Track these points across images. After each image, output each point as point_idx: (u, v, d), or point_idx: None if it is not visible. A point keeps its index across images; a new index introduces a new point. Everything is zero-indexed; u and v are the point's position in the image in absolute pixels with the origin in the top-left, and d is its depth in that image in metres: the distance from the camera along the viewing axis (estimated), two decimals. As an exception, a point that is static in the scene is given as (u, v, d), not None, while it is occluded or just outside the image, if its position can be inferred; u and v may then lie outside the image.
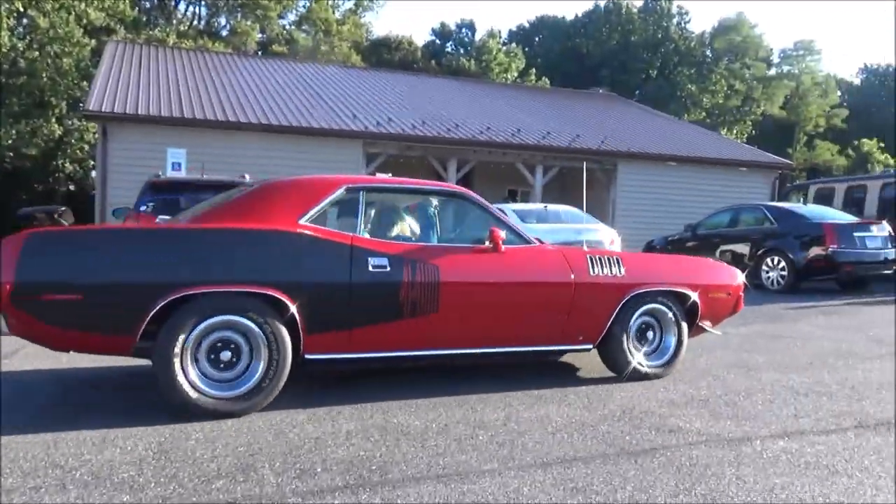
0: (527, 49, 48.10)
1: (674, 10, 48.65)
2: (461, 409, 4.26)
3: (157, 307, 3.82)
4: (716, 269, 5.65)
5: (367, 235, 4.48)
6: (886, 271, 11.54)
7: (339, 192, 4.50)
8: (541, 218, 11.93)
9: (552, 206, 12.71)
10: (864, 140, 48.64)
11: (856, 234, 11.41)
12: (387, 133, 17.18)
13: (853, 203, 14.85)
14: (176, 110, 16.13)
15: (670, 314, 5.28)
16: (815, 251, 11.28)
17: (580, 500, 2.82)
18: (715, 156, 20.45)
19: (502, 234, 4.70)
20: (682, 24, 48.79)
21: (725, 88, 46.89)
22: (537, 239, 5.04)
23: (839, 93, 53.86)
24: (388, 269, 4.31)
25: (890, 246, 11.55)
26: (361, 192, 4.58)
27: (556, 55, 47.50)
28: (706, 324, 5.50)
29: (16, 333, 3.88)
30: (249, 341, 4.08)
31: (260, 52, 35.91)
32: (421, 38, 69.49)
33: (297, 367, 4.27)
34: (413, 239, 4.74)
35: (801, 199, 16.11)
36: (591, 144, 19.30)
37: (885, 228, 11.70)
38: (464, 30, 50.93)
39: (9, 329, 3.87)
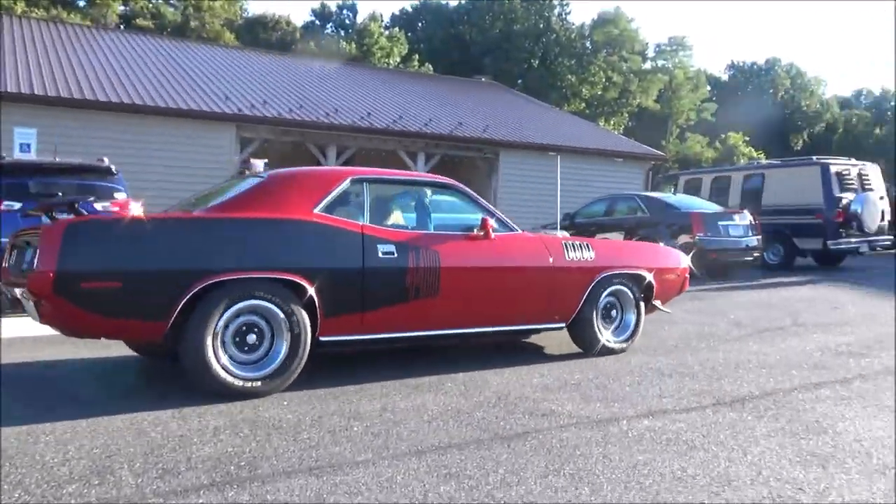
0: (409, 34, 48.20)
1: (555, 0, 50.16)
2: (336, 401, 4.28)
3: (192, 293, 4.07)
4: (666, 253, 6.43)
5: (371, 224, 4.82)
6: (748, 258, 12.46)
7: (346, 183, 4.84)
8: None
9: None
10: (731, 133, 52.12)
11: (720, 222, 12.25)
12: (262, 116, 16.77)
13: (719, 193, 15.91)
14: (25, 86, 15.04)
15: (630, 294, 5.99)
16: (684, 239, 12.01)
17: (453, 486, 2.91)
18: (593, 146, 21.33)
19: (492, 222, 5.23)
20: (563, 16, 50.38)
21: (604, 80, 48.88)
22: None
23: (708, 87, 57.36)
24: (396, 255, 4.71)
25: (751, 234, 12.47)
26: (365, 183, 4.93)
27: (440, 41, 47.88)
28: (658, 302, 6.21)
29: (48, 322, 4.01)
30: (271, 325, 4.38)
31: (122, 26, 34.04)
32: (300, 18, 68.07)
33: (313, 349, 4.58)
34: (409, 228, 5.09)
35: (672, 189, 17.09)
36: (474, 132, 19.65)
37: (746, 217, 12.62)
38: (345, 11, 50.41)
39: (40, 318, 3.97)
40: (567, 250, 5.59)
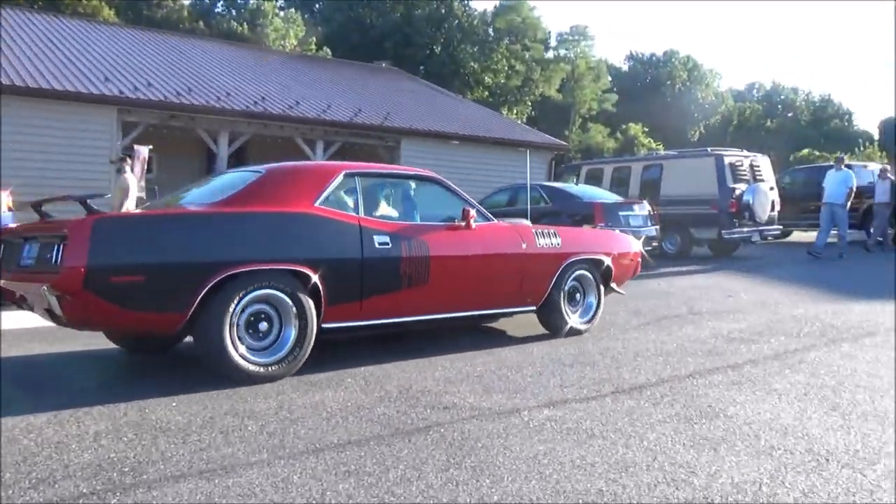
0: (307, 16, 47.38)
1: (457, -15, 50.44)
2: (229, 401, 4.19)
3: (211, 284, 4.32)
4: (622, 239, 7.08)
5: (365, 216, 5.17)
6: (646, 248, 12.97)
7: (340, 177, 5.18)
8: None
9: None
10: (631, 124, 54.02)
11: (621, 212, 12.69)
12: (146, 100, 16.08)
13: (619, 183, 16.48)
14: None
15: (592, 278, 6.62)
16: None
17: (352, 483, 2.90)
18: (496, 135, 21.64)
19: (473, 212, 5.64)
20: (465, 2, 50.76)
21: (507, 68, 49.60)
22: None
23: (609, 78, 59.20)
24: (390, 245, 5.10)
25: (650, 224, 12.99)
26: (356, 177, 5.29)
27: (339, 24, 47.30)
28: (614, 285, 6.82)
29: (70, 317, 4.12)
30: (280, 313, 4.71)
31: (-14, -1, 31.89)
32: (187, -5, 65.41)
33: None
34: (398, 219, 5.44)
35: (575, 180, 17.57)
36: (374, 120, 19.55)
37: (645, 207, 13.13)
38: (237, -10, 48.95)
39: (63, 313, 4.04)
40: (538, 238, 6.13)
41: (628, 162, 17.39)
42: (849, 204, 14.40)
